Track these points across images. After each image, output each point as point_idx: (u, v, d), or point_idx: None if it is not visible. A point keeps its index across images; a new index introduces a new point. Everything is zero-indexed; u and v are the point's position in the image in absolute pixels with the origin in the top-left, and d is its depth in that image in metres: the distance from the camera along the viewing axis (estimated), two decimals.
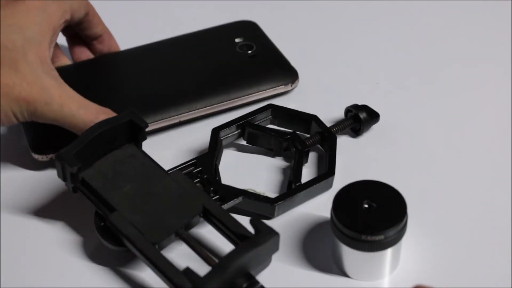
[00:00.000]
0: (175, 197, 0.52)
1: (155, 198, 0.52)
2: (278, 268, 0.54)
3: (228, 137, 0.61)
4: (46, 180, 0.60)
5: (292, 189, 0.57)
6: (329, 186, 0.59)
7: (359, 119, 0.62)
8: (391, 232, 0.50)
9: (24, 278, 0.54)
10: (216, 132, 0.60)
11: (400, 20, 0.76)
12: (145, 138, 0.56)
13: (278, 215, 0.57)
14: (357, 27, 0.75)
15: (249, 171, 0.61)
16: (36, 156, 0.60)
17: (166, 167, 0.56)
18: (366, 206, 0.51)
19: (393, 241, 0.51)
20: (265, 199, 0.56)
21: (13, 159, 0.62)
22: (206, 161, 0.58)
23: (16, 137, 0.63)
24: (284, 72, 0.67)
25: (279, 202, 0.56)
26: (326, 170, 0.58)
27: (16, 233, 0.57)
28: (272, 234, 0.50)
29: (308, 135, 0.62)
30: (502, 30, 0.74)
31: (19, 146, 0.63)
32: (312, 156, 0.62)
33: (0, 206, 0.58)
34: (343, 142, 0.63)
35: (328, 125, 0.62)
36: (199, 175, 0.57)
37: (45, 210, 0.58)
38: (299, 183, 0.58)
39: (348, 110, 0.63)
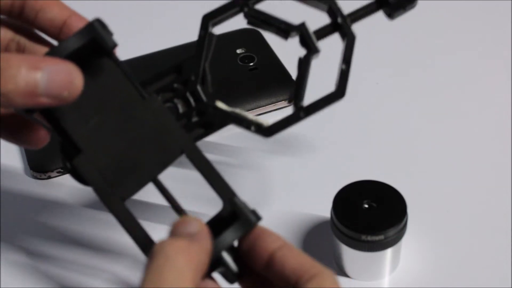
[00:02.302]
0: (150, 134, 0.44)
1: (126, 135, 0.44)
2: None
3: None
4: (45, 198, 0.60)
5: (292, 114, 0.46)
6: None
7: (387, 1, 0.47)
8: (391, 232, 0.50)
9: None
10: (206, 21, 0.47)
11: (401, 25, 0.76)
12: (115, 45, 0.43)
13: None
14: (362, 41, 0.75)
15: None
16: (35, 174, 0.61)
17: None
18: (366, 206, 0.51)
19: (393, 241, 0.51)
20: (259, 129, 0.46)
21: (12, 177, 0.62)
22: (192, 67, 0.47)
23: (15, 155, 0.64)
24: (285, 87, 0.66)
25: (274, 133, 0.46)
26: (336, 87, 0.46)
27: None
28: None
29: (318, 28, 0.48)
30: (502, 30, 0.74)
31: (18, 164, 0.63)
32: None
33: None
34: None
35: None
36: (180, 87, 0.47)
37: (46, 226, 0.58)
38: (301, 105, 0.46)
39: None
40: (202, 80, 0.47)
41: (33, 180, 0.61)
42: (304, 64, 0.47)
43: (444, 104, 0.67)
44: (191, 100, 0.47)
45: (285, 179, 0.61)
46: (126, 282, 0.54)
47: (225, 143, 0.63)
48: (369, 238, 0.50)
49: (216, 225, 0.41)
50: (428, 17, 0.76)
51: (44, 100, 0.39)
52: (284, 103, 0.66)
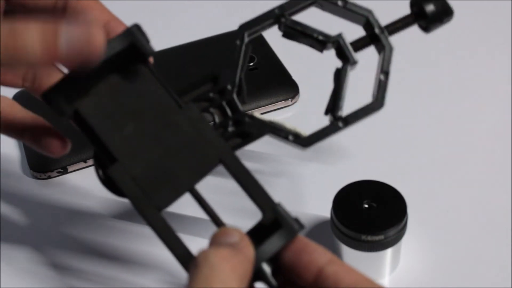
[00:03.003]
0: (187, 143, 0.43)
1: (163, 144, 0.43)
2: None
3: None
4: (45, 198, 0.60)
5: (330, 125, 0.46)
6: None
7: (424, 13, 0.48)
8: (391, 232, 0.50)
9: None
10: (242, 31, 0.47)
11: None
12: (153, 53, 0.42)
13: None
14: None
15: None
16: (35, 173, 0.61)
17: None
18: (366, 206, 0.51)
19: (393, 241, 0.51)
20: (297, 139, 0.45)
21: (12, 177, 0.62)
22: (228, 77, 0.46)
23: (15, 155, 0.64)
24: (284, 87, 0.66)
25: (312, 144, 0.46)
26: (375, 98, 0.46)
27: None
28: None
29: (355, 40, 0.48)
30: (502, 30, 0.74)
31: (18, 164, 0.63)
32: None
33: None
34: None
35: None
36: (216, 96, 0.46)
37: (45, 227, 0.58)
38: (339, 115, 0.46)
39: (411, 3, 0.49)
40: (239, 89, 0.46)
41: (33, 180, 0.61)
42: (341, 75, 0.47)
43: (444, 104, 0.67)
44: (228, 109, 0.46)
45: (285, 179, 0.61)
46: (128, 282, 0.54)
47: None
48: (369, 238, 0.50)
49: (256, 235, 0.40)
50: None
51: (64, 56, 0.37)
52: (283, 103, 0.66)
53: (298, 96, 0.66)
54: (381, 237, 0.50)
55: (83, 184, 0.61)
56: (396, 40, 0.74)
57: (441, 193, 0.59)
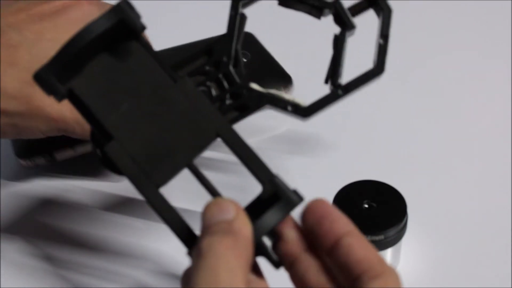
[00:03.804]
0: (183, 118, 0.42)
1: (159, 120, 0.42)
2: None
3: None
4: (46, 198, 0.60)
5: (330, 93, 0.45)
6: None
7: None
8: (391, 232, 0.50)
9: None
10: (236, 2, 0.46)
11: (401, 25, 0.76)
12: (144, 28, 0.41)
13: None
14: (361, 41, 0.75)
15: None
16: (21, 161, 0.61)
17: None
18: (366, 206, 0.51)
19: (393, 241, 0.51)
20: (296, 109, 0.45)
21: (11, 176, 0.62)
22: (224, 48, 0.45)
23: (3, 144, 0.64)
24: (277, 78, 0.66)
25: (313, 114, 0.45)
26: (375, 64, 0.46)
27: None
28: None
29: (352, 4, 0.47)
30: (502, 30, 0.74)
31: (4, 151, 0.63)
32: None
33: None
34: None
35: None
36: (212, 69, 0.45)
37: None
38: (339, 83, 0.45)
39: None
40: (235, 61, 0.45)
41: (33, 180, 0.61)
42: (340, 41, 0.45)
43: (444, 104, 0.67)
44: (225, 82, 0.45)
45: (285, 179, 0.61)
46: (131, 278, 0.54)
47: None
48: (369, 238, 0.50)
49: (256, 209, 0.39)
50: (428, 17, 0.77)
51: None
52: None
53: (292, 88, 0.66)
54: (381, 237, 0.50)
55: (72, 175, 0.61)
56: (396, 40, 0.74)
57: (441, 193, 0.59)
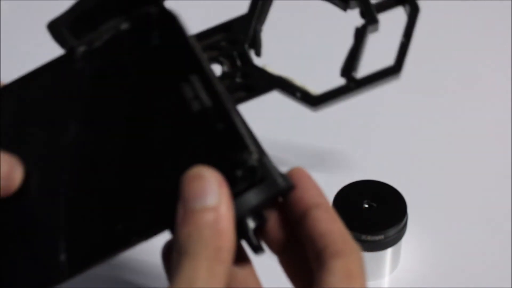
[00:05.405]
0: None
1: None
2: (277, 268, 0.54)
3: None
4: None
5: (343, 85, 0.42)
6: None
7: None
8: (391, 232, 0.50)
9: None
10: None
11: (401, 25, 0.76)
12: None
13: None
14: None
15: None
16: None
17: None
18: (366, 206, 0.51)
19: (393, 241, 0.51)
20: (305, 97, 0.42)
21: None
22: (242, 26, 0.43)
23: None
24: None
25: (322, 104, 0.42)
26: (394, 61, 0.44)
27: None
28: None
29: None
30: (502, 30, 0.74)
31: None
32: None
33: None
34: None
35: None
36: (227, 46, 0.43)
37: None
38: (353, 77, 0.42)
39: None
40: (254, 42, 0.43)
41: None
42: (360, 34, 0.43)
43: (444, 104, 0.67)
44: (238, 60, 0.43)
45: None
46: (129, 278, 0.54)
47: None
48: (369, 238, 0.50)
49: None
50: (428, 17, 0.76)
51: None
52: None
53: None
54: (381, 237, 0.50)
55: None
56: (396, 40, 0.74)
57: (441, 193, 0.59)
